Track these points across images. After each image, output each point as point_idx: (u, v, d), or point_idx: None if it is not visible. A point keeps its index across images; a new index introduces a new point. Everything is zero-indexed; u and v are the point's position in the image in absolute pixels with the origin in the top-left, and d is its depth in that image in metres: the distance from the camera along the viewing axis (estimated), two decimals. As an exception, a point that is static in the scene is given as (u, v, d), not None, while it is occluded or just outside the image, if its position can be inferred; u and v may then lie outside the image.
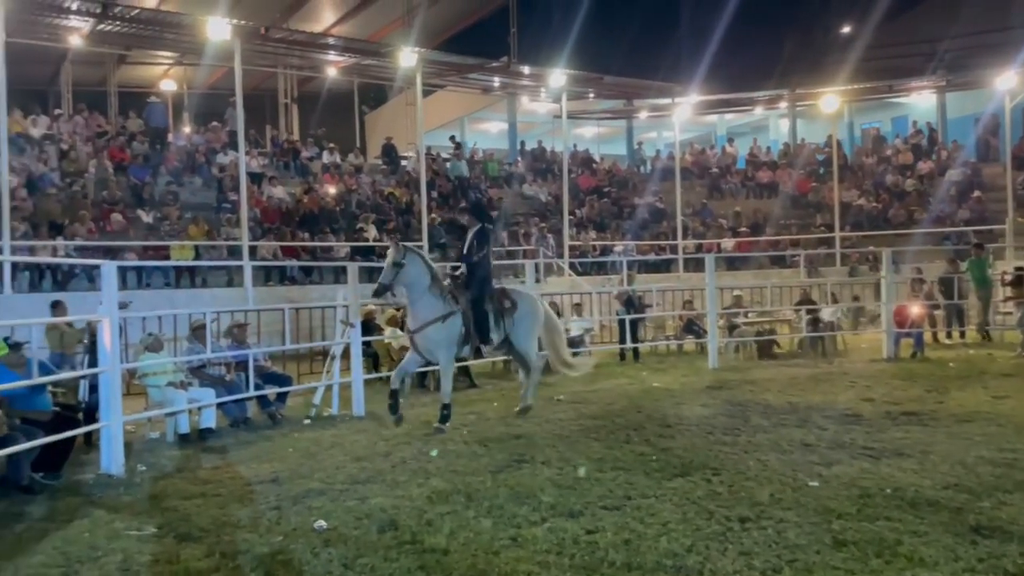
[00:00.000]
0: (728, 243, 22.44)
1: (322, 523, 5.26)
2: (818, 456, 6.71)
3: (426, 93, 21.55)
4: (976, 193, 22.78)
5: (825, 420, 8.26)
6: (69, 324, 9.98)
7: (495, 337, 8.81)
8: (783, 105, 26.97)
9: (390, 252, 8.31)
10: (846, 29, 31.07)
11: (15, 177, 15.31)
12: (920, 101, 27.64)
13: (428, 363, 9.04)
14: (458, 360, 9.42)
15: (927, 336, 14.60)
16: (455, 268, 9.12)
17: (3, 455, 6.02)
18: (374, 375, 11.14)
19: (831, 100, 23.08)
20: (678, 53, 28.11)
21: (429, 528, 5.14)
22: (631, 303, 14.69)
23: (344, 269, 11.30)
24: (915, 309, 14.14)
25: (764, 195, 25.65)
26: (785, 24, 31.13)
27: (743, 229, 23.10)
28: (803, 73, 27.05)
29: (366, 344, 10.65)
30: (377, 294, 8.25)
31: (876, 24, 27.37)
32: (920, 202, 23.53)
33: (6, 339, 7.00)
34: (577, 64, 22.42)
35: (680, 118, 24.12)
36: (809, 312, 14.82)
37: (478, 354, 9.27)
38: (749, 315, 15.19)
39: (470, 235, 8.75)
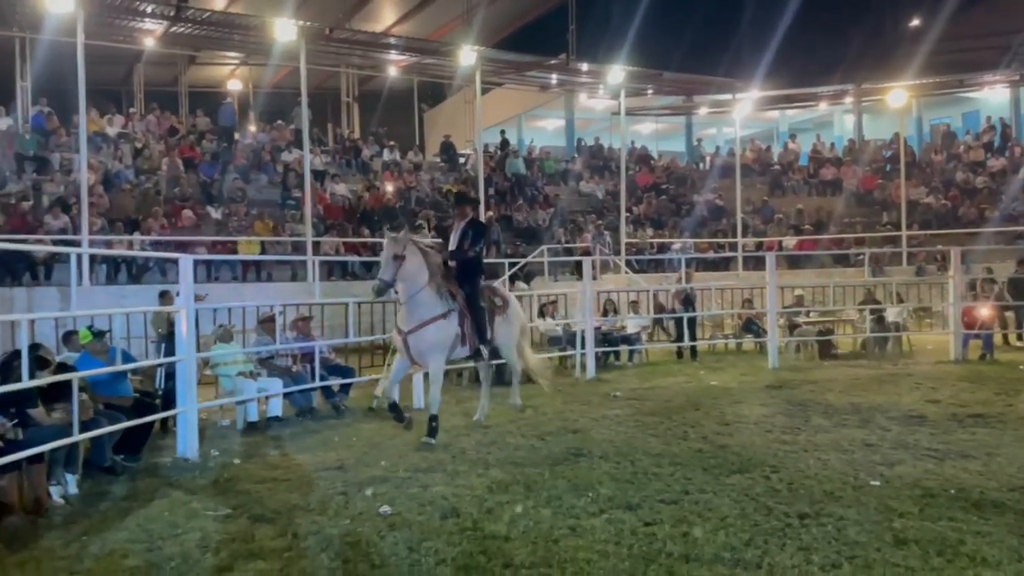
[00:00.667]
0: (789, 241, 22.09)
1: (387, 508, 5.45)
2: (880, 456, 6.64)
3: (484, 91, 21.75)
4: (1051, 190, 21.95)
5: (888, 421, 8.14)
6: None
7: (491, 337, 8.20)
8: (848, 100, 26.36)
9: (388, 244, 7.40)
10: (916, 22, 30.21)
11: (92, 174, 16.00)
12: (992, 96, 26.69)
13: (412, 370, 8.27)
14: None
15: (997, 338, 14.18)
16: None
17: (88, 438, 6.37)
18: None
19: (899, 95, 22.48)
20: (740, 48, 27.67)
21: (490, 516, 5.28)
22: (689, 301, 14.61)
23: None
24: (984, 310, 13.74)
25: (827, 192, 25.13)
26: (852, 17, 30.40)
27: (806, 227, 22.70)
28: (870, 67, 26.38)
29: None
30: (380, 292, 7.34)
31: (947, 16, 26.52)
32: (991, 200, 22.76)
33: (90, 327, 7.40)
34: (636, 60, 22.33)
35: (740, 114, 23.79)
36: (873, 312, 14.53)
37: (477, 355, 8.32)
38: (810, 314, 14.96)
39: (461, 227, 8.03)
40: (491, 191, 21.38)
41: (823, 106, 27.73)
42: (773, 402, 9.49)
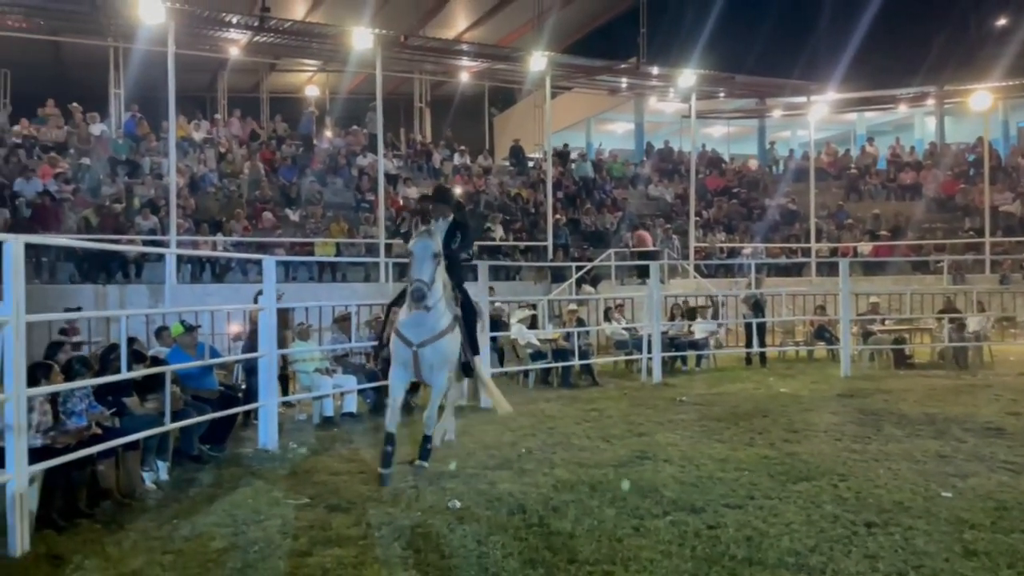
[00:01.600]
0: (865, 247, 21.54)
1: (456, 502, 5.65)
2: (953, 468, 6.52)
3: (554, 95, 21.88)
4: None
5: (964, 432, 7.95)
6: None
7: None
8: (929, 102, 25.53)
9: (423, 240, 6.26)
10: (1002, 21, 29.04)
11: (180, 178, 16.77)
12: (1087, 97, 25.45)
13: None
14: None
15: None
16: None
17: (178, 427, 6.78)
18: (499, 369, 11.58)
19: (983, 97, 21.67)
20: (816, 50, 27.06)
21: (555, 514, 5.43)
22: (758, 307, 14.45)
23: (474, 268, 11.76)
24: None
25: (906, 197, 24.39)
26: (935, 17, 29.41)
27: (882, 232, 22.09)
28: (953, 68, 25.48)
29: (493, 339, 11.06)
30: (423, 297, 6.11)
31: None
32: (1084, 206, 21.72)
33: (182, 321, 7.85)
34: (709, 63, 22.11)
35: (815, 117, 23.32)
36: (952, 321, 14.09)
37: (467, 371, 7.16)
38: (886, 322, 14.60)
39: (442, 226, 6.79)
40: (559, 195, 21.51)
41: (903, 108, 26.91)
42: (844, 411, 9.36)
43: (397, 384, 6.72)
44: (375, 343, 8.15)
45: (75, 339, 9.49)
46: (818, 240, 21.91)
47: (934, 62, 25.67)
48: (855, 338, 13.71)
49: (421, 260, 6.22)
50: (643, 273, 16.05)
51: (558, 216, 19.95)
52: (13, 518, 4.79)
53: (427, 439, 6.86)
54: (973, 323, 14.27)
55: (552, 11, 24.41)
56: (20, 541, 4.80)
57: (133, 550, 4.93)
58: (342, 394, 9.24)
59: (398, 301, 6.86)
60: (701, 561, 4.53)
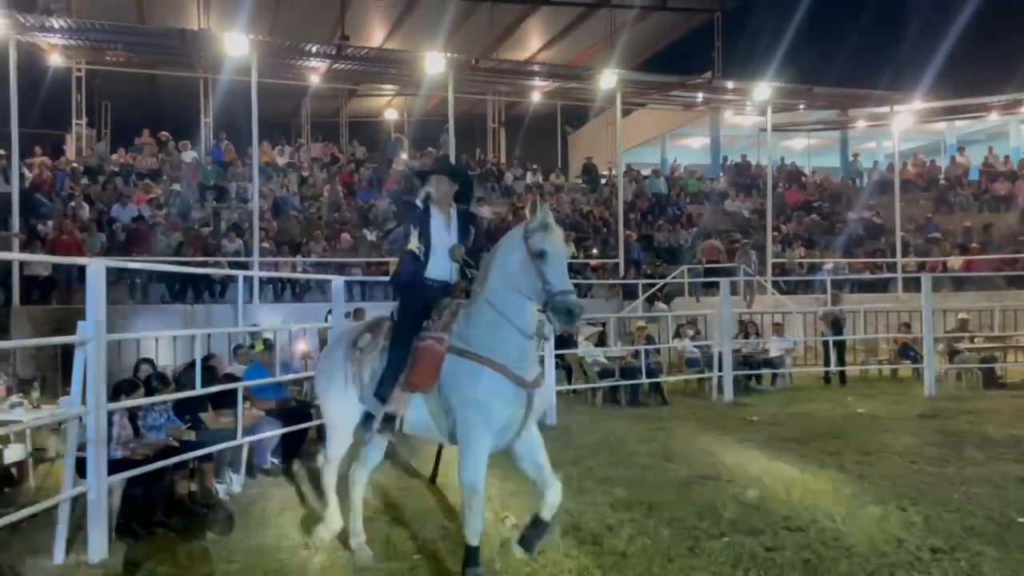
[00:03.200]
0: (955, 261, 20.60)
1: (512, 519, 5.72)
2: (1035, 493, 6.20)
3: (627, 111, 21.85)
4: None
5: (1052, 456, 7.55)
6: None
7: None
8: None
9: (559, 232, 4.42)
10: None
11: (263, 202, 17.51)
12: None
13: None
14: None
15: None
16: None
17: (251, 441, 7.08)
18: (566, 387, 11.60)
19: (1083, 101, 20.53)
20: (901, 59, 26.21)
21: (610, 532, 5.43)
22: (838, 324, 14.02)
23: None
24: None
25: (1000, 208, 23.24)
26: (1028, 21, 28.05)
27: (973, 245, 21.09)
28: (1049, 73, 24.22)
29: (560, 357, 11.10)
30: (579, 315, 4.34)
31: None
32: None
33: (265, 340, 8.21)
34: (788, 75, 21.67)
35: (900, 127, 22.52)
36: (1048, 338, 13.35)
37: None
38: (975, 340, 13.94)
39: (454, 220, 5.13)
40: (632, 212, 21.42)
41: (995, 116, 25.69)
42: (924, 432, 8.99)
43: (485, 458, 4.46)
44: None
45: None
46: (905, 254, 21.10)
47: (1027, 68, 24.44)
48: (940, 356, 13.14)
49: (563, 262, 4.32)
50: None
51: (629, 232, 19.86)
52: (93, 526, 5.11)
53: (543, 524, 4.63)
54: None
55: (625, 28, 24.41)
56: (99, 548, 5.12)
57: (203, 558, 5.18)
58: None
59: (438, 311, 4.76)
60: (754, 584, 4.47)
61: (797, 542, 5.13)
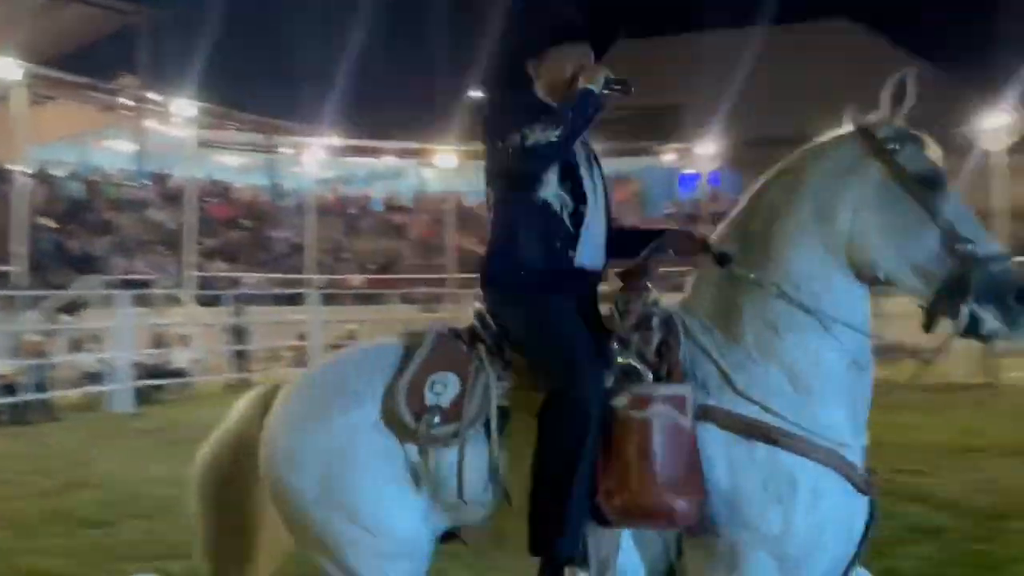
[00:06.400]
0: (356, 279, 23.69)
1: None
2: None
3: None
4: None
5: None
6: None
7: None
8: (412, 159, 29.05)
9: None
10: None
11: None
12: None
13: None
14: None
15: None
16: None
17: None
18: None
19: (450, 158, 25.56)
20: (322, 96, 28.74)
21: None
22: (241, 334, 15.09)
23: None
24: None
25: (398, 236, 27.43)
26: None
27: (371, 266, 24.50)
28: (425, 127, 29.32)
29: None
30: None
31: None
32: None
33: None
34: (217, 94, 22.18)
35: (314, 157, 24.86)
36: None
37: None
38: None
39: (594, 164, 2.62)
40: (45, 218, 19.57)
41: (393, 159, 29.75)
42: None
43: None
44: None
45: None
46: (322, 272, 23.39)
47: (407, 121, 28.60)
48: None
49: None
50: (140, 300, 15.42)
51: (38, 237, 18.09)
52: None
53: None
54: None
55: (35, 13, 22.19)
56: None
57: None
58: None
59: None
60: None
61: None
